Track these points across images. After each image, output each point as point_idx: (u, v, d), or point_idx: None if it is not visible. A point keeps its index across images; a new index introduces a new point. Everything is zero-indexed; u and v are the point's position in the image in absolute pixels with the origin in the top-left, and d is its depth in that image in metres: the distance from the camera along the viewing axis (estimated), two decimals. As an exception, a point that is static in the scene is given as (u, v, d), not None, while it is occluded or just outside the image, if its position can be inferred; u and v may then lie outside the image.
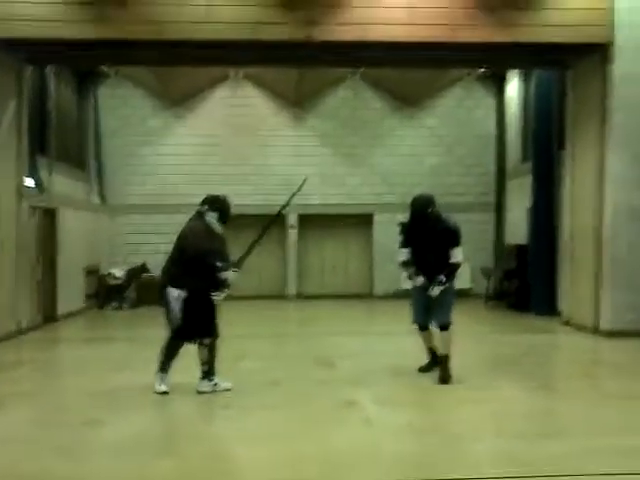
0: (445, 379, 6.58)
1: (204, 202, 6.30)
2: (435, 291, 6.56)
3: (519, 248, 13.20)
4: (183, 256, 6.08)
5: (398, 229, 7.58)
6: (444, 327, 6.68)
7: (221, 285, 6.09)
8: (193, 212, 6.34)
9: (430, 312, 6.74)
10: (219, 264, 5.99)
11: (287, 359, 8.26)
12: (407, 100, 16.24)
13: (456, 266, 6.65)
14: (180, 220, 16.66)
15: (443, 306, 6.67)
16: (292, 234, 15.92)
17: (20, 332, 10.16)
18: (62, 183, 12.73)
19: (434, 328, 6.81)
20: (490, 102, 16.29)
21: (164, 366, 6.20)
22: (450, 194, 16.19)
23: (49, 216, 11.94)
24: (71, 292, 12.82)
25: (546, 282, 12.09)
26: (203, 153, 15.99)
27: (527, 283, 12.53)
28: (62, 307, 12.21)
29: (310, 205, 15.83)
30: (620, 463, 4.33)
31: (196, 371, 6.26)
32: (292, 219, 15.92)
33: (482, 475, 4.17)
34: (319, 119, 16.33)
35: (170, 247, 6.32)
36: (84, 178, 14.59)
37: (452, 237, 6.60)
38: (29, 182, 10.86)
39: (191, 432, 5.18)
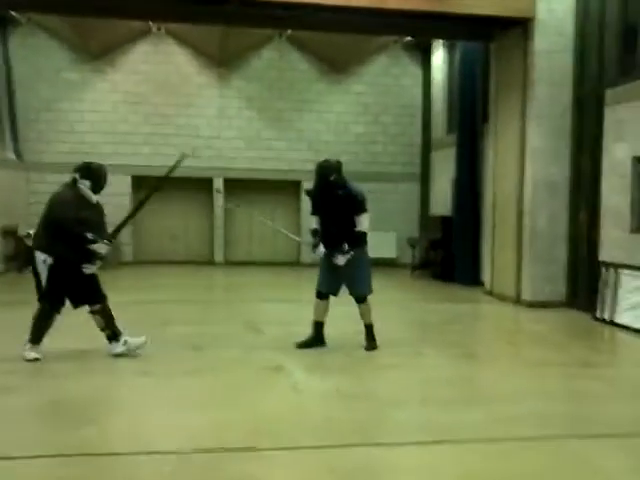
0: (372, 345, 6.64)
1: (77, 169, 6.10)
2: (339, 260, 6.42)
3: (444, 219, 13.42)
4: (49, 222, 5.90)
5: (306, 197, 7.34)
6: (360, 299, 6.63)
7: (92, 256, 5.89)
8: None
9: (337, 283, 6.60)
10: (89, 235, 5.82)
11: (213, 325, 8.12)
12: (334, 65, 16.09)
13: (361, 234, 6.52)
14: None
15: (356, 278, 6.56)
16: (219, 198, 15.58)
17: None
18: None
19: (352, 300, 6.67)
20: (416, 71, 16.32)
21: (35, 338, 5.94)
22: (376, 163, 16.33)
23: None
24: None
25: (470, 253, 12.36)
26: (124, 111, 15.38)
27: (452, 253, 12.78)
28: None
29: (235, 169, 15.56)
30: (538, 429, 4.49)
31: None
32: (218, 183, 15.57)
33: (406, 441, 4.25)
34: (244, 80, 15.94)
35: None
36: (-5, 134, 13.76)
37: (356, 204, 6.42)
38: None
39: (111, 400, 5.03)
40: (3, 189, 13.39)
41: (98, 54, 15.12)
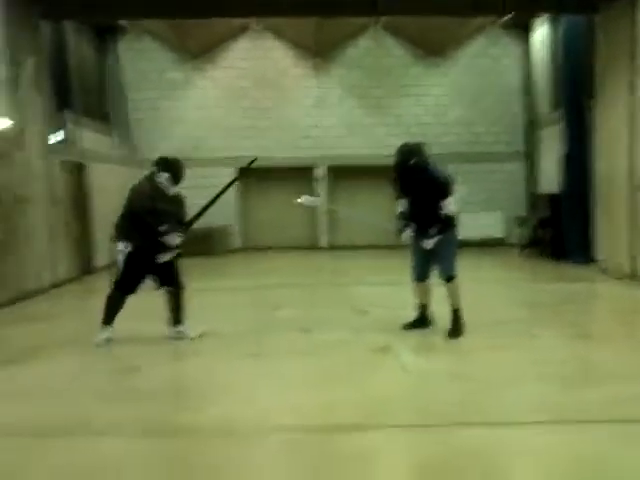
0: (455, 333, 6.31)
1: (155, 163, 6.35)
2: (427, 244, 6.26)
3: (552, 197, 12.98)
4: (128, 213, 6.20)
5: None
6: (448, 279, 6.39)
7: (164, 247, 6.11)
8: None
9: (429, 265, 6.46)
10: (161, 228, 6.04)
11: (320, 308, 8.25)
12: (431, 49, 15.86)
13: (448, 218, 6.24)
14: (206, 173, 16.77)
15: (442, 258, 6.35)
16: (321, 186, 15.78)
17: (56, 284, 10.32)
18: (91, 138, 12.74)
19: (440, 282, 6.46)
20: (516, 51, 15.83)
21: (107, 319, 6.24)
22: (479, 143, 16.00)
23: (79, 171, 11.99)
24: (105, 245, 12.90)
25: (580, 230, 11.86)
26: (225, 106, 15.86)
27: (561, 232, 12.35)
28: (99, 259, 12.33)
29: (339, 156, 15.71)
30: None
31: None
32: (321, 171, 15.80)
33: (517, 420, 4.16)
34: (342, 69, 16.03)
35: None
36: (110, 132, 14.57)
37: (439, 188, 6.14)
38: (56, 137, 10.86)
39: (226, 381, 5.18)
40: (118, 185, 14.12)
41: (198, 53, 15.67)
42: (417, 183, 6.21)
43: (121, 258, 6.19)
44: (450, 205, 6.19)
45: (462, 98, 16.03)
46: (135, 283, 6.26)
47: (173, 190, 6.32)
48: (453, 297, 6.38)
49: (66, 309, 9.04)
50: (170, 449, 3.81)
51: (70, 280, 10.96)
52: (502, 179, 15.94)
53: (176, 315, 6.38)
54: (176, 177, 6.30)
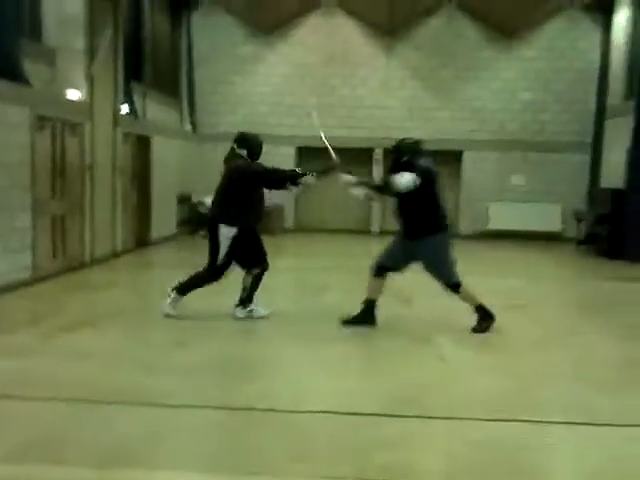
0: (480, 330, 6.18)
1: (234, 140, 6.45)
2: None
3: (614, 192, 12.60)
4: (232, 192, 6.24)
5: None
6: (453, 289, 6.15)
7: (295, 184, 6.23)
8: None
9: (403, 263, 6.23)
10: (297, 170, 6.23)
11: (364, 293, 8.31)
12: (505, 31, 15.50)
13: (437, 218, 6.07)
14: (268, 150, 16.84)
15: (438, 266, 6.10)
16: (377, 170, 15.74)
17: (115, 255, 10.72)
18: (156, 110, 13.05)
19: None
20: (595, 34, 15.28)
21: (183, 290, 6.40)
22: (544, 132, 15.62)
23: (143, 143, 12.31)
24: (164, 218, 13.31)
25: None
26: (292, 83, 15.92)
27: (621, 229, 12.00)
28: (155, 232, 12.71)
29: (396, 140, 15.56)
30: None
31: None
32: (378, 153, 15.71)
33: (549, 419, 4.15)
34: (410, 49, 15.84)
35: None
36: (176, 106, 14.90)
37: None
38: (124, 109, 11.19)
39: (267, 360, 5.34)
40: (180, 159, 14.51)
41: (270, 28, 15.77)
42: None
43: (225, 243, 6.23)
44: (399, 177, 5.86)
45: (533, 83, 15.67)
46: (229, 266, 6.39)
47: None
48: (469, 299, 6.19)
49: (124, 280, 9.42)
50: (214, 421, 4.00)
51: (128, 251, 11.32)
52: (565, 170, 15.54)
53: (250, 294, 6.49)
54: (253, 153, 6.38)
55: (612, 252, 12.06)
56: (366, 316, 6.26)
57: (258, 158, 6.42)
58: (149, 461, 3.39)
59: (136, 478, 3.23)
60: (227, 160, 6.49)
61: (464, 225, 15.88)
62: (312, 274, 9.69)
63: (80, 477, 3.20)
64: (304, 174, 6.16)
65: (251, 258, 6.40)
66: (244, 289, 6.49)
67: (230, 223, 6.19)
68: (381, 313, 6.61)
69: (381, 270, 6.24)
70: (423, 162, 6.07)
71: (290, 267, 10.05)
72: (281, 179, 6.25)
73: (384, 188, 6.12)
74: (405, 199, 6.02)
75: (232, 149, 6.46)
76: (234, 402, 4.28)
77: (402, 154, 6.11)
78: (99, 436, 3.68)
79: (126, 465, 3.33)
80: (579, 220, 13.89)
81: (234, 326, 6.35)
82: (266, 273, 6.52)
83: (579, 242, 13.68)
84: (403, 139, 6.33)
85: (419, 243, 6.03)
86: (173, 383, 4.61)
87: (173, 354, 5.42)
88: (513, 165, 15.71)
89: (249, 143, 6.42)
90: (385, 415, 4.12)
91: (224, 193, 6.35)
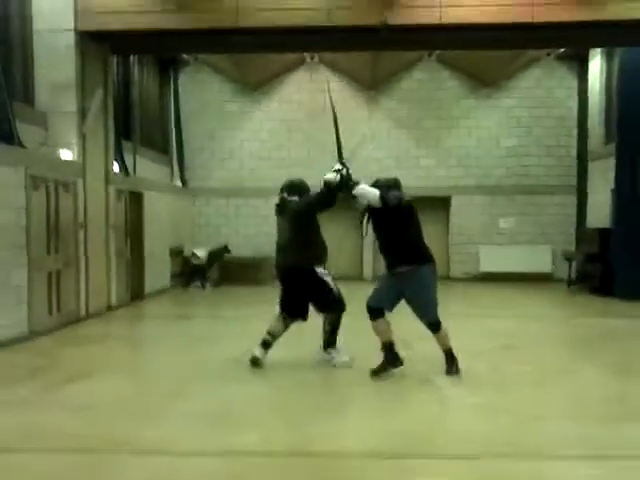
0: (453, 372, 6.10)
1: (283, 189, 6.56)
2: (400, 270, 5.98)
3: (602, 231, 12.84)
4: (308, 224, 6.40)
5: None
6: (434, 329, 6.08)
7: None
8: (274, 199, 6.59)
9: (395, 300, 6.10)
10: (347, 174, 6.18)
11: (365, 338, 8.34)
12: (484, 80, 16.00)
13: (419, 249, 6.08)
14: (257, 204, 17.17)
15: (422, 303, 6.01)
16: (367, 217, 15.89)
17: (110, 308, 10.75)
18: (146, 167, 13.27)
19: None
20: (571, 82, 15.85)
21: (334, 342, 6.54)
22: (530, 176, 15.96)
23: (135, 199, 12.46)
24: (157, 272, 13.36)
25: (631, 266, 11.72)
26: (280, 137, 16.26)
27: (610, 267, 12.18)
28: (149, 286, 12.76)
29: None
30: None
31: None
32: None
33: (556, 454, 4.17)
34: (394, 101, 16.27)
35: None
36: (166, 162, 15.15)
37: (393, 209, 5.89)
38: (115, 166, 11.38)
39: (273, 403, 5.40)
40: (172, 213, 14.67)
41: (256, 86, 16.18)
42: (383, 215, 6.01)
43: (330, 281, 6.44)
44: (361, 188, 5.97)
45: (514, 130, 16.08)
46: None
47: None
48: (444, 341, 6.12)
49: (118, 333, 9.42)
50: (213, 469, 4.01)
51: (123, 305, 11.35)
52: (552, 212, 15.86)
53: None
54: (303, 196, 6.50)
55: (603, 289, 12.22)
56: (391, 359, 6.13)
57: None
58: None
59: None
60: (281, 209, 6.58)
61: (455, 268, 16.05)
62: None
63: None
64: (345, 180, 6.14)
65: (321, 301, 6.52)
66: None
67: (318, 262, 6.39)
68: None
69: (375, 312, 6.14)
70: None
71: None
72: (331, 190, 6.23)
73: (383, 198, 5.87)
74: (390, 230, 6.02)
75: (282, 198, 6.54)
76: (233, 448, 4.30)
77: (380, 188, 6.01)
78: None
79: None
80: (569, 260, 14.07)
81: (232, 373, 6.35)
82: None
83: (570, 282, 13.83)
84: (378, 179, 6.28)
85: (405, 274, 5.96)
86: (174, 434, 4.63)
87: (173, 405, 5.43)
88: (501, 209, 15.98)
89: (300, 189, 6.54)
90: (389, 456, 4.14)
91: (297, 237, 6.39)
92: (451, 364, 6.10)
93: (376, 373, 6.03)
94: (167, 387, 5.97)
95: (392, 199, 5.84)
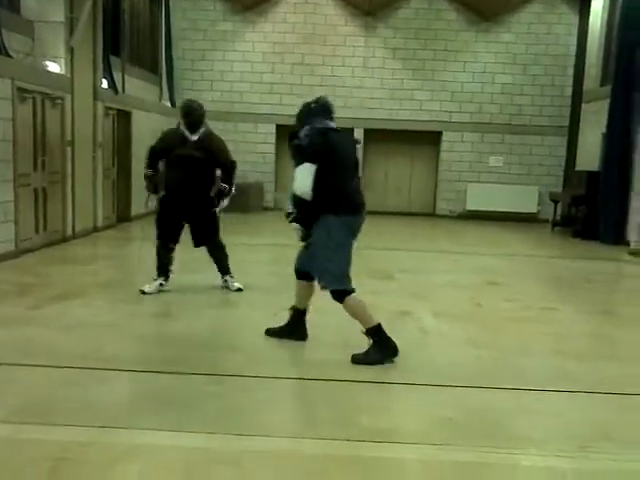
0: (362, 357, 4.56)
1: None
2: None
3: (590, 174, 12.86)
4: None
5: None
6: (333, 296, 4.61)
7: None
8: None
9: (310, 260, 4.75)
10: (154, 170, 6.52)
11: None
12: (483, 14, 15.64)
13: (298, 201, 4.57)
14: (246, 128, 16.92)
15: (316, 262, 4.65)
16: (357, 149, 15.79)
17: (96, 229, 10.69)
18: (135, 85, 12.94)
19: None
20: (573, 19, 15.51)
21: (158, 270, 6.50)
22: (522, 115, 15.83)
23: (123, 118, 12.21)
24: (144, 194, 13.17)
25: (617, 210, 11.82)
26: (271, 61, 15.88)
27: (595, 211, 12.28)
28: (136, 208, 12.63)
29: (376, 120, 15.69)
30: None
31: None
32: (358, 133, 15.76)
33: (533, 387, 4.27)
34: (390, 30, 15.87)
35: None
36: (155, 81, 14.77)
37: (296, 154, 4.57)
38: (104, 83, 11.09)
39: (256, 326, 5.39)
40: (158, 134, 14.37)
41: (250, 5, 15.65)
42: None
43: (155, 204, 6.45)
44: (299, 180, 4.47)
45: (511, 66, 15.83)
46: (172, 230, 6.39)
47: (194, 136, 6.24)
48: (354, 315, 4.63)
49: (107, 254, 9.42)
50: (207, 388, 4.09)
51: (109, 226, 11.29)
52: (542, 153, 15.84)
53: (220, 266, 6.60)
54: (187, 123, 6.24)
55: (587, 233, 12.34)
56: (293, 327, 5.07)
57: (193, 128, 6.29)
58: (148, 422, 3.48)
59: (131, 437, 3.31)
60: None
61: (441, 205, 16.12)
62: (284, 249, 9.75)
63: (79, 437, 3.28)
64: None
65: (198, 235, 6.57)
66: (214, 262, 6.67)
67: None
68: (364, 289, 6.72)
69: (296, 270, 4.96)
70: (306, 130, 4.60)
71: (266, 243, 10.14)
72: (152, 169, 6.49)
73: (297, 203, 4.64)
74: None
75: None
76: (223, 369, 4.38)
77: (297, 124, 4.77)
78: (97, 399, 3.76)
79: (127, 426, 3.43)
80: (555, 202, 14.15)
81: (215, 299, 6.42)
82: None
83: (554, 224, 13.96)
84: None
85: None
86: (165, 352, 4.70)
87: (162, 326, 5.50)
88: (491, 147, 15.92)
89: (182, 113, 6.40)
90: (373, 382, 4.24)
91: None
92: (369, 350, 4.56)
93: (269, 333, 5.12)
94: (156, 308, 6.03)
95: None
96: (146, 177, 6.44)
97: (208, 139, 6.34)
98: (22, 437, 3.25)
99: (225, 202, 6.43)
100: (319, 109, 4.75)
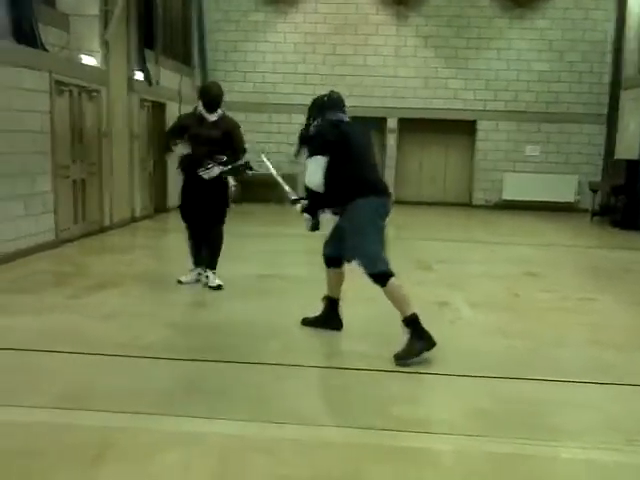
0: (403, 354, 4.36)
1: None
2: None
3: (629, 163, 12.60)
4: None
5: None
6: (375, 280, 4.49)
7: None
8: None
9: (340, 245, 4.71)
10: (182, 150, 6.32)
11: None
12: (518, 0, 15.34)
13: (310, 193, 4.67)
14: (280, 119, 16.90)
15: (350, 249, 4.59)
16: (391, 138, 15.75)
17: (134, 220, 10.84)
18: (169, 77, 13.04)
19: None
20: (610, 4, 15.11)
21: (193, 260, 6.52)
22: (559, 103, 15.55)
23: (158, 110, 12.33)
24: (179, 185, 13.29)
25: (657, 200, 11.59)
26: (303, 51, 15.83)
27: (635, 200, 12.03)
28: (172, 199, 12.72)
29: (410, 109, 15.57)
30: None
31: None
32: (392, 123, 15.70)
33: (568, 379, 4.21)
34: (422, 18, 15.67)
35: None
36: (189, 73, 14.86)
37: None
38: (138, 75, 11.21)
39: (291, 316, 5.41)
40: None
41: (285, -5, 15.62)
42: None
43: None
44: (310, 172, 4.60)
45: (546, 53, 15.53)
46: (193, 213, 6.33)
47: (212, 117, 6.17)
48: (394, 303, 4.50)
49: (144, 244, 9.55)
50: (232, 373, 4.12)
51: (146, 217, 11.43)
52: (581, 141, 15.55)
53: (211, 259, 6.43)
54: (205, 103, 6.16)
55: (626, 223, 12.11)
56: (328, 317, 5.10)
57: (211, 108, 6.19)
58: (185, 409, 3.52)
59: (170, 424, 3.35)
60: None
61: (477, 195, 15.95)
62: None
63: (120, 424, 3.33)
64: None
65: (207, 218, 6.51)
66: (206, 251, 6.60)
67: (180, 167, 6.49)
68: (404, 279, 6.70)
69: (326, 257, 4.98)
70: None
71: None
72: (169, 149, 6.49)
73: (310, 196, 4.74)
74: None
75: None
76: (258, 358, 4.41)
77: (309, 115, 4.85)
78: (136, 386, 3.82)
79: (165, 413, 3.47)
80: (594, 191, 13.92)
81: (249, 289, 6.46)
82: None
83: (594, 213, 13.73)
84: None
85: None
86: (203, 341, 4.76)
87: (199, 314, 5.57)
88: (528, 136, 15.67)
89: (200, 95, 6.30)
90: (408, 372, 4.22)
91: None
92: (408, 344, 4.39)
93: (305, 323, 5.15)
94: (193, 298, 6.10)
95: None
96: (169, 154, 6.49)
97: (226, 121, 6.30)
98: (64, 422, 3.32)
99: (215, 169, 6.25)
100: (331, 102, 4.85)
